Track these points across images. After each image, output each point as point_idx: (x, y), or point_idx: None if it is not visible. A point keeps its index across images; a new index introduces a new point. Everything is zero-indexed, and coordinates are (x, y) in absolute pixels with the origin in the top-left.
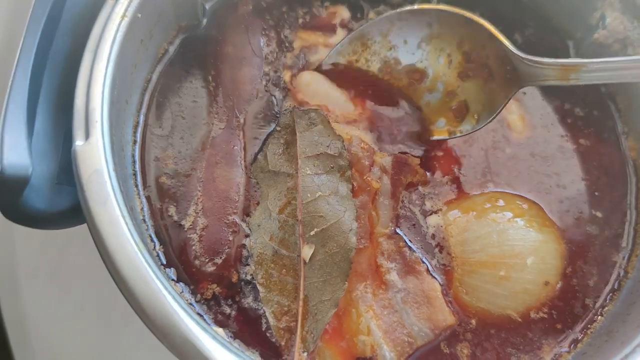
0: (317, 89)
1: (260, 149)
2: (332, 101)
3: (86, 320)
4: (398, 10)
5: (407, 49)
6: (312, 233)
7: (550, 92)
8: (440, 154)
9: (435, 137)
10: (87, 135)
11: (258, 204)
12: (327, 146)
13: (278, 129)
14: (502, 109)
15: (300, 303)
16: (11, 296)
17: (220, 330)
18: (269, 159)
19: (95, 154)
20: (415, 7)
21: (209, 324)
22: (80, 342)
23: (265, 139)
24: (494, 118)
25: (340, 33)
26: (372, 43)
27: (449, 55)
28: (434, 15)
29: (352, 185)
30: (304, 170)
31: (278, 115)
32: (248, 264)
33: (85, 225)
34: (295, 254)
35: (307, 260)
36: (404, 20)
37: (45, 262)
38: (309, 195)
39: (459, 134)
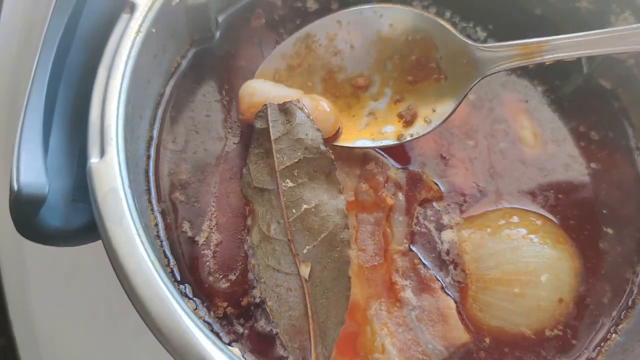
0: (266, 96)
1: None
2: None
3: (96, 333)
4: (348, 9)
5: (353, 55)
6: (304, 251)
7: (561, 108)
8: (454, 169)
9: (384, 143)
10: (103, 152)
11: (252, 222)
12: (305, 148)
13: (255, 136)
14: (460, 104)
15: (310, 321)
16: (21, 308)
17: (236, 349)
18: (252, 173)
19: (111, 171)
20: (366, 6)
21: (225, 343)
22: (91, 356)
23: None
24: (450, 115)
25: None
26: (317, 46)
27: (397, 61)
28: (386, 16)
29: (340, 185)
30: (285, 184)
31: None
32: (255, 287)
33: None
34: (295, 273)
35: (307, 279)
36: (353, 24)
37: (56, 275)
38: (294, 211)
39: (409, 138)
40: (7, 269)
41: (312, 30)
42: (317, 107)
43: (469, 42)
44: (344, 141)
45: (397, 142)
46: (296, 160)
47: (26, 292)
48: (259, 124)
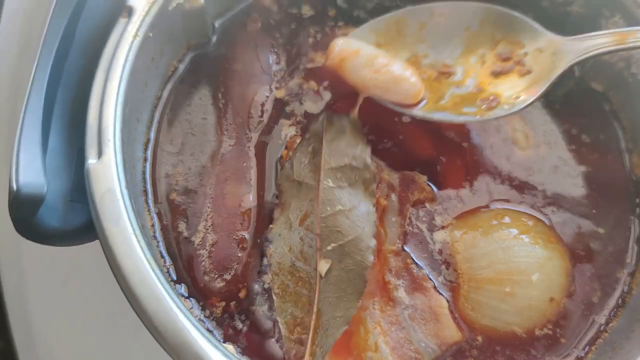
0: (359, 47)
1: (280, 158)
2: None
3: (95, 333)
4: (443, 2)
5: (440, 45)
6: (329, 248)
7: (553, 111)
8: (447, 170)
9: (463, 119)
10: (100, 153)
11: (280, 213)
12: (353, 157)
13: (307, 136)
14: (546, 90)
15: (313, 317)
16: (20, 308)
17: (230, 347)
18: (294, 167)
19: (108, 172)
20: (462, 1)
21: (220, 341)
22: (90, 356)
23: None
24: (535, 101)
25: None
26: (407, 31)
27: (482, 56)
28: (476, 12)
29: (375, 200)
30: (326, 182)
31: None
32: (266, 273)
33: None
34: (312, 267)
35: (322, 275)
36: (443, 15)
37: (55, 275)
38: (328, 208)
39: (492, 116)
40: (5, 268)
41: (404, 15)
42: (406, 68)
43: (556, 36)
44: (424, 110)
45: (479, 118)
46: (342, 165)
47: (24, 292)
48: (315, 126)
